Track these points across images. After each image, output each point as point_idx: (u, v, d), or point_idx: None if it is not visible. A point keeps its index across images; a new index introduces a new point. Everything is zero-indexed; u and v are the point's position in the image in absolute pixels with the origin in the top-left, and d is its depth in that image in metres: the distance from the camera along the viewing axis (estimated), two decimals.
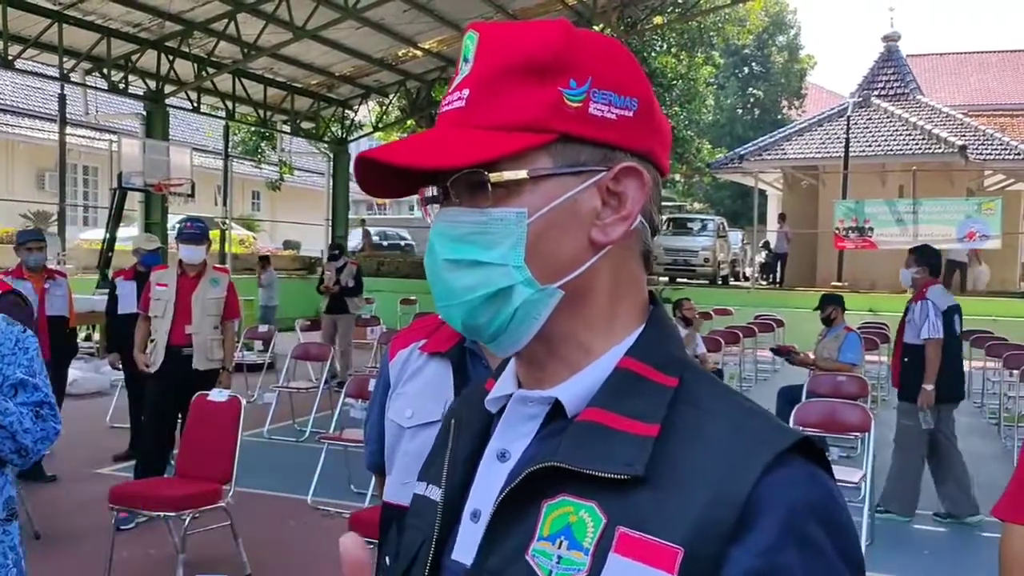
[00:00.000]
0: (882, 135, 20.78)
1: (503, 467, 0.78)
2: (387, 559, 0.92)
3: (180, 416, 5.65)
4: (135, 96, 14.11)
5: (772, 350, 8.91)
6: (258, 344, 11.61)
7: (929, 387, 5.90)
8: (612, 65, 0.78)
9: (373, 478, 3.53)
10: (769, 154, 21.65)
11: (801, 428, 5.10)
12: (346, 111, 18.77)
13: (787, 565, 0.66)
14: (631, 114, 0.78)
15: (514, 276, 0.75)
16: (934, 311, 5.96)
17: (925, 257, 6.29)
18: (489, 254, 0.75)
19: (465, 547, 0.78)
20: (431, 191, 0.81)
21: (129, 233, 15.71)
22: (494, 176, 0.74)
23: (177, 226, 6.37)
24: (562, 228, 0.76)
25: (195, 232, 5.81)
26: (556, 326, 0.77)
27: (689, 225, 21.07)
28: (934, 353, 5.91)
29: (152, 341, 5.84)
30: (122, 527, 5.01)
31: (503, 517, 0.75)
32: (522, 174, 0.75)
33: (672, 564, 0.67)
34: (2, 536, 2.23)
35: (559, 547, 0.71)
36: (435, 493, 0.84)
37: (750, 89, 35.32)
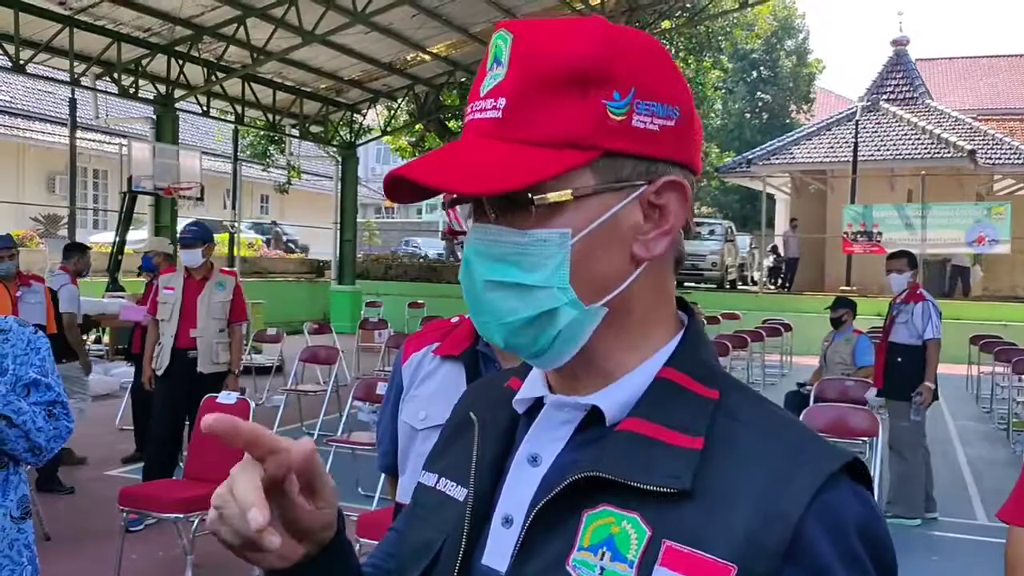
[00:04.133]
0: (891, 139, 20.74)
1: (535, 472, 0.77)
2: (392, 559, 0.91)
3: (188, 418, 5.68)
4: (145, 100, 14.17)
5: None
6: (265, 346, 11.65)
7: (931, 384, 6.08)
8: (654, 71, 0.74)
9: (381, 480, 3.54)
10: (777, 158, 21.62)
11: None
12: (355, 115, 18.80)
13: None
14: (672, 123, 0.75)
15: (559, 298, 0.73)
16: (935, 312, 6.12)
17: (914, 261, 6.49)
18: (532, 276, 0.73)
19: (497, 552, 0.76)
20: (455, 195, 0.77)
21: (139, 236, 15.79)
22: (538, 197, 0.72)
23: None
24: (605, 246, 0.74)
25: (188, 236, 5.81)
26: (596, 340, 0.76)
27: (697, 229, 21.04)
28: (936, 353, 6.11)
29: (159, 344, 5.88)
30: (131, 528, 5.03)
31: (541, 524, 0.73)
32: (567, 194, 0.72)
33: None
34: (16, 534, 2.25)
35: (601, 558, 0.69)
36: (454, 490, 0.82)
37: (758, 93, 35.25)
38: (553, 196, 0.72)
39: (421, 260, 23.47)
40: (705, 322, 9.71)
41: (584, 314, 0.74)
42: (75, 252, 7.51)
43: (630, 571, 0.68)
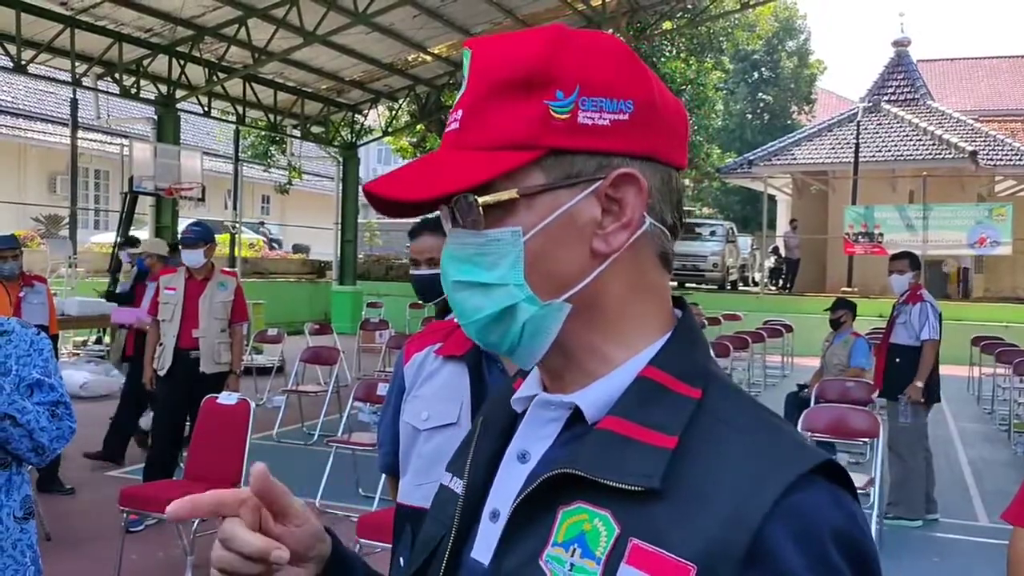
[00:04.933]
0: (892, 140, 20.73)
1: (522, 468, 0.79)
2: (400, 560, 0.93)
3: (190, 418, 5.68)
4: (146, 100, 14.18)
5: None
6: (266, 347, 11.65)
7: (920, 384, 6.09)
8: (603, 69, 0.75)
9: (382, 481, 3.53)
10: (779, 159, 21.62)
11: (809, 434, 5.13)
12: (356, 115, 18.81)
13: None
14: (626, 117, 0.75)
15: (515, 295, 0.76)
16: (933, 313, 6.13)
17: (916, 262, 6.48)
18: (490, 275, 0.76)
19: (484, 546, 0.79)
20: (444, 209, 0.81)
21: (140, 237, 15.78)
22: (483, 199, 0.74)
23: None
24: (561, 242, 0.75)
25: (190, 236, 5.82)
26: (571, 337, 0.77)
27: (698, 230, 21.03)
28: (931, 354, 6.10)
29: (161, 344, 5.89)
30: (132, 529, 5.04)
31: (520, 520, 0.75)
32: (511, 193, 0.74)
33: None
34: (20, 534, 2.26)
35: (572, 555, 0.70)
36: (458, 485, 0.85)
37: (760, 94, 35.26)
38: (497, 197, 0.75)
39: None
40: (706, 323, 9.74)
41: (544, 309, 0.76)
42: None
43: (597, 568, 0.69)
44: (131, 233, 12.15)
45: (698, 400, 0.73)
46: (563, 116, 0.74)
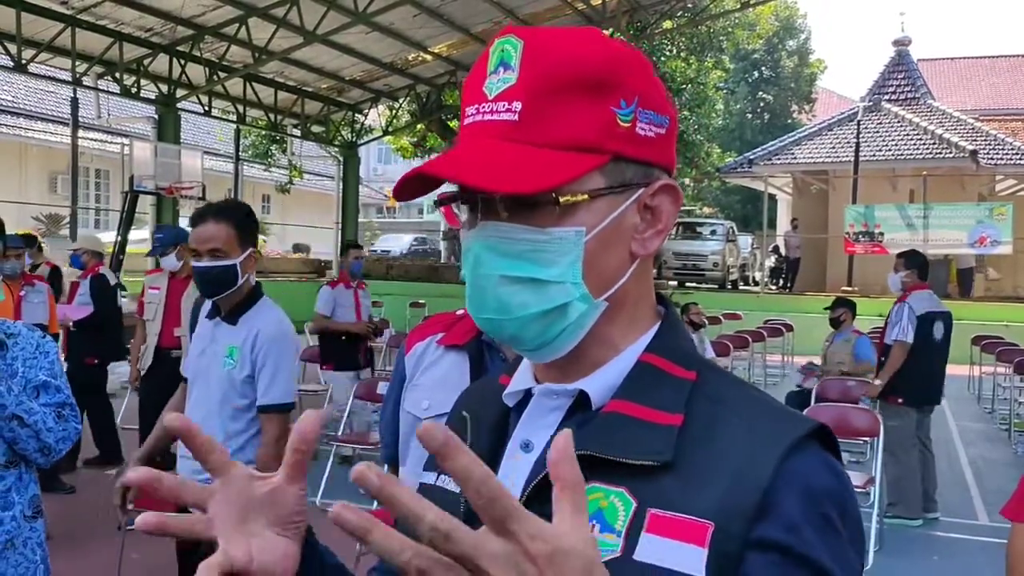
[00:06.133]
0: (892, 140, 20.72)
1: (528, 457, 0.81)
2: None
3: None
4: (147, 100, 14.18)
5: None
6: None
7: (878, 382, 6.14)
8: (652, 84, 0.81)
9: None
10: (779, 159, 21.60)
11: None
12: (356, 115, 18.82)
13: (810, 541, 0.71)
14: (664, 131, 0.82)
15: (572, 293, 0.78)
16: (908, 315, 6.12)
17: (913, 261, 6.41)
18: (548, 272, 0.78)
19: None
20: (451, 191, 0.81)
21: (141, 236, 15.80)
22: (563, 198, 0.76)
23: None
24: (610, 244, 0.80)
25: (156, 245, 5.83)
26: (593, 332, 0.81)
27: (699, 230, 21.03)
28: (898, 354, 6.09)
29: (146, 344, 5.89)
30: (131, 527, 5.03)
31: (534, 505, 0.74)
32: (584, 195, 0.77)
33: (703, 538, 0.71)
34: (29, 533, 2.29)
35: (592, 531, 0.72)
36: (450, 483, 0.85)
37: (760, 93, 35.26)
38: (576, 197, 0.77)
39: (393, 260, 23.47)
40: (706, 322, 9.74)
41: (592, 308, 0.80)
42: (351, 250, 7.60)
43: (618, 540, 0.73)
44: (27, 232, 11.33)
45: (694, 382, 0.79)
46: (625, 124, 0.78)
